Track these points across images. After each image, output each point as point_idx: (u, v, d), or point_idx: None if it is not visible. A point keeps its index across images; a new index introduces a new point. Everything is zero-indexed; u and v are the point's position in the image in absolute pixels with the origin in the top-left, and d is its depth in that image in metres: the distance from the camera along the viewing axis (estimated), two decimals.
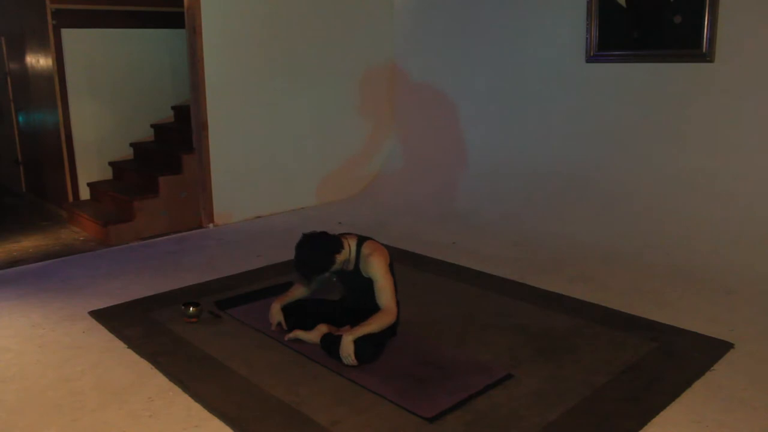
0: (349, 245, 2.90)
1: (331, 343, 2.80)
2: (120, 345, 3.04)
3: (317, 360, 2.80)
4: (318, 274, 2.89)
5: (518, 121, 5.31)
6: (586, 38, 4.73)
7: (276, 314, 3.08)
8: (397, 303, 2.90)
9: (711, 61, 4.12)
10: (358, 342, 2.70)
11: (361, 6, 5.92)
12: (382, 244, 2.99)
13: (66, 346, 3.04)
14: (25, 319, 3.38)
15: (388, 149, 6.30)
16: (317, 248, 2.84)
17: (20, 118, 6.77)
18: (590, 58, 4.74)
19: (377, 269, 2.84)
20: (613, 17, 4.57)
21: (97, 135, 5.95)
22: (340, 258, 2.85)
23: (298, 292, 3.15)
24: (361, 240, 2.95)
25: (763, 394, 2.54)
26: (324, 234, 2.92)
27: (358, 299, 2.99)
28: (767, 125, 3.96)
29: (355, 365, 2.71)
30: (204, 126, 5.10)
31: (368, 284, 2.88)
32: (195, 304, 3.27)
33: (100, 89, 5.89)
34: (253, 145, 5.40)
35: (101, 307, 3.48)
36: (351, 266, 2.94)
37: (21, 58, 6.34)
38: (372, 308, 2.85)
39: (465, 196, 5.47)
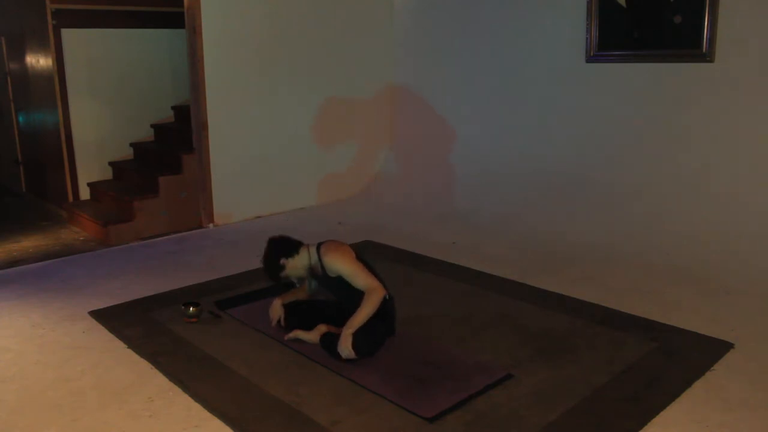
0: (308, 251, 2.97)
1: (330, 343, 2.80)
2: (120, 345, 3.04)
3: (317, 360, 2.80)
4: (273, 278, 3.01)
5: (518, 120, 5.31)
6: (586, 38, 4.73)
7: (277, 310, 3.10)
8: (386, 289, 2.88)
9: (711, 61, 4.13)
10: (356, 334, 2.72)
11: (360, 6, 5.92)
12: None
13: (66, 346, 3.04)
14: (25, 319, 3.38)
15: (389, 148, 6.30)
16: (267, 254, 2.98)
17: (20, 118, 6.77)
18: (590, 58, 4.74)
19: (339, 263, 2.88)
20: (613, 17, 4.58)
21: (97, 135, 5.95)
22: (292, 264, 2.93)
23: (301, 292, 3.20)
24: (320, 244, 3.00)
25: (763, 394, 2.55)
26: (279, 239, 3.02)
27: (349, 300, 2.99)
28: (767, 125, 3.97)
29: (355, 358, 2.72)
30: (204, 126, 5.10)
31: (346, 283, 2.90)
32: (195, 304, 3.27)
33: (100, 89, 5.90)
34: (253, 145, 5.40)
35: (101, 307, 3.48)
36: (320, 271, 2.98)
37: (21, 58, 6.34)
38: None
39: (465, 196, 5.47)
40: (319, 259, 2.95)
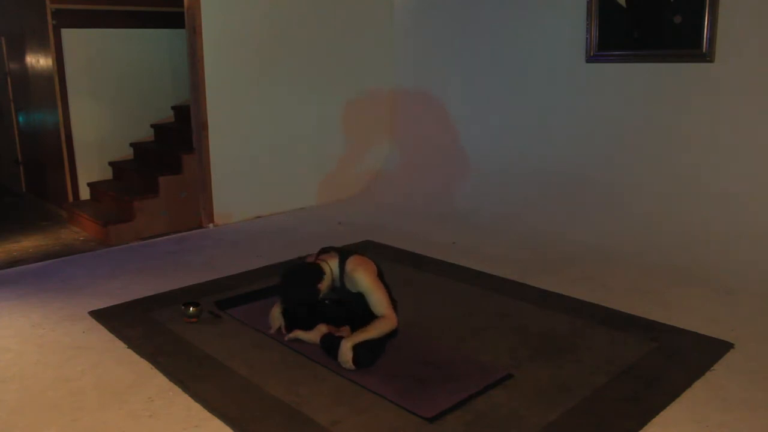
0: (329, 267, 2.89)
1: (330, 344, 2.80)
2: (120, 345, 3.04)
3: (317, 360, 2.80)
4: (307, 305, 2.96)
5: (518, 120, 5.31)
6: (586, 38, 4.73)
7: (276, 318, 3.08)
8: (395, 309, 2.88)
9: (711, 61, 4.12)
10: (356, 348, 2.69)
11: (360, 6, 5.92)
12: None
13: (66, 346, 3.04)
14: (25, 319, 3.38)
15: (388, 149, 6.30)
16: (300, 284, 2.86)
17: (20, 118, 6.77)
18: (590, 58, 4.74)
19: (366, 282, 2.81)
20: (613, 17, 4.57)
21: (97, 135, 5.95)
22: (324, 285, 2.86)
23: None
24: (344, 256, 2.92)
25: (763, 394, 2.55)
26: (303, 266, 2.93)
27: (357, 305, 2.98)
28: (767, 125, 3.96)
29: (354, 370, 2.71)
30: (204, 126, 5.10)
31: (360, 297, 2.85)
32: (195, 304, 3.27)
33: (100, 89, 5.89)
34: (253, 145, 5.40)
35: (101, 307, 3.48)
36: (338, 283, 2.93)
37: (21, 58, 6.34)
38: (370, 310, 2.85)
39: (465, 196, 5.47)
40: (341, 273, 2.89)
